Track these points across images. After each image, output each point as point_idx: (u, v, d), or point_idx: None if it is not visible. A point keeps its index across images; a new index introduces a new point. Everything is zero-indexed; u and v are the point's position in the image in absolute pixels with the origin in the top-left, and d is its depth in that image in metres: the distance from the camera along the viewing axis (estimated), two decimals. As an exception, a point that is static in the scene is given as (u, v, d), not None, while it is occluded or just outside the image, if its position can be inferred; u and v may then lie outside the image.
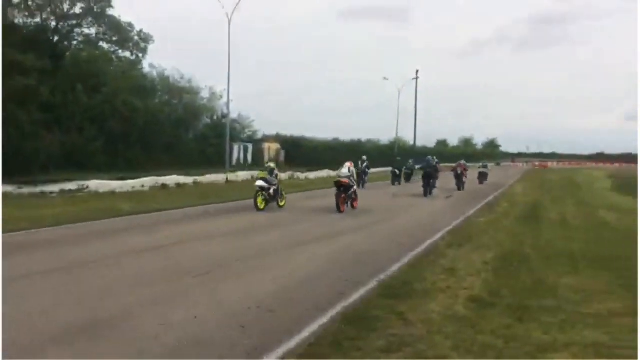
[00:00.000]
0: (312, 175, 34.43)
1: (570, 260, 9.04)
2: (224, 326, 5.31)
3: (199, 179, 24.85)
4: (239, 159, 39.79)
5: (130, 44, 37.29)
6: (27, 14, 32.53)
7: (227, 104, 32.66)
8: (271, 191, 15.61)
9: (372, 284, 7.17)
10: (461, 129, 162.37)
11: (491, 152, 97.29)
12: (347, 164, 16.89)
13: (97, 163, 28.13)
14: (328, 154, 50.14)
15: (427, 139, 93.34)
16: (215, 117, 41.80)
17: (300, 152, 46.29)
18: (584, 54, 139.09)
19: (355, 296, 6.56)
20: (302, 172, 33.96)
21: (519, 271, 8.07)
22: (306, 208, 16.63)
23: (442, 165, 27.89)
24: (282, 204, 16.21)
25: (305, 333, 5.18)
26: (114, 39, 36.84)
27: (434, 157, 24.26)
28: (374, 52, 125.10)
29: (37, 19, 33.12)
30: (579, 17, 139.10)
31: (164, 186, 22.02)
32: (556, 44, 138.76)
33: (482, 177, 32.26)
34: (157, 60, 51.24)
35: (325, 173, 36.74)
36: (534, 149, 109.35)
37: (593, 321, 5.71)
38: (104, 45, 36.81)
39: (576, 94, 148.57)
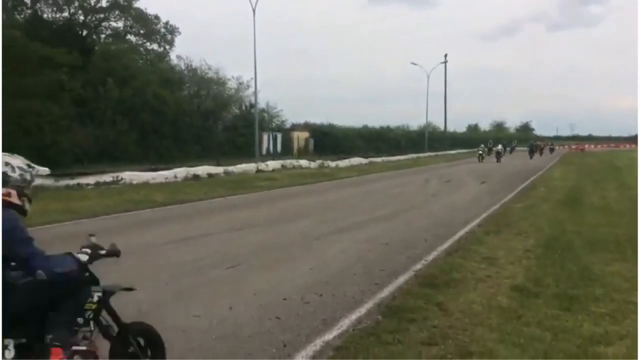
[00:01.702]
0: (343, 163, 34.19)
1: (616, 246, 8.61)
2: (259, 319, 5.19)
3: (230, 168, 24.92)
4: (268, 148, 39.85)
5: (157, 36, 37.58)
6: (55, 8, 33.04)
7: (255, 94, 32.72)
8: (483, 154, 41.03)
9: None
10: (493, 112, 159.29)
11: (525, 135, 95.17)
12: (500, 145, 43.35)
13: (130, 155, 28.47)
14: (357, 141, 49.87)
15: (458, 124, 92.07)
16: (243, 107, 41.86)
17: (329, 141, 46.07)
18: (616, 32, 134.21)
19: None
20: (333, 161, 33.75)
21: (563, 259, 7.70)
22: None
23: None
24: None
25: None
26: (141, 31, 37.16)
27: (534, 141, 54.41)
28: (402, 37, 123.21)
29: (65, 13, 33.60)
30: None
31: (196, 177, 22.15)
32: (587, 23, 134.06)
33: (552, 151, 57.57)
34: (183, 51, 51.58)
35: (356, 160, 36.45)
36: (567, 132, 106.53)
37: (647, 311, 5.38)
38: (132, 38, 37.19)
39: (610, 75, 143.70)
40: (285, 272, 7.02)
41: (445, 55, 62.92)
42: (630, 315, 5.27)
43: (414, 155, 48.03)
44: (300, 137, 44.21)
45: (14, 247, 2.73)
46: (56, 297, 2.97)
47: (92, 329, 3.07)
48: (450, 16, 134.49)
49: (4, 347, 2.77)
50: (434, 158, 48.21)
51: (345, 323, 5.09)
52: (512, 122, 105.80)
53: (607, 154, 58.15)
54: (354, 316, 5.28)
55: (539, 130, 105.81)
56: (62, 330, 2.94)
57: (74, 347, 2.92)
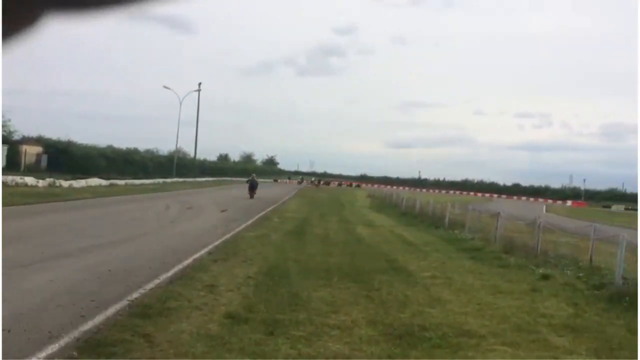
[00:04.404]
0: (79, 183, 31.34)
1: (326, 274, 9.51)
2: None
3: None
4: (-11, 161, 34.40)
5: None
6: None
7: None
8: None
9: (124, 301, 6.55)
10: (242, 144, 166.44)
11: (270, 169, 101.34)
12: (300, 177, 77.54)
13: None
14: (100, 161, 46.63)
15: (209, 152, 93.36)
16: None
17: (67, 159, 42.02)
18: (352, 83, 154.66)
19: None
20: (67, 180, 30.66)
21: (278, 285, 8.21)
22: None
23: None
24: None
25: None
26: None
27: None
28: (158, 59, 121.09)
29: None
30: (353, 51, 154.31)
31: None
32: (329, 73, 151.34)
33: (300, 182, 69.35)
34: None
35: (95, 182, 33.88)
36: (307, 168, 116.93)
37: (337, 332, 6.00)
38: None
39: (344, 121, 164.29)
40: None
41: (199, 84, 63.57)
42: (323, 337, 5.81)
43: (161, 180, 46.83)
44: (29, 151, 39.28)
45: None
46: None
47: None
48: (209, 47, 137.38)
49: None
50: (182, 184, 47.74)
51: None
52: (260, 155, 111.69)
53: (337, 190, 65.50)
54: (44, 354, 4.71)
55: (283, 165, 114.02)
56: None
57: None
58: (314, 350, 5.34)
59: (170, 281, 8.06)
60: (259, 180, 38.09)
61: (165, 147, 68.12)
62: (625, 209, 78.51)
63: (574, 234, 13.61)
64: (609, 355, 5.72)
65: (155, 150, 63.71)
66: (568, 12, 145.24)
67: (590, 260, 10.69)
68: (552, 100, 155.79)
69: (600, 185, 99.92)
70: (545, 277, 9.73)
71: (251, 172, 58.91)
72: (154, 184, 42.90)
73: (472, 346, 5.72)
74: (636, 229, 24.54)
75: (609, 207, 79.36)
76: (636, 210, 75.06)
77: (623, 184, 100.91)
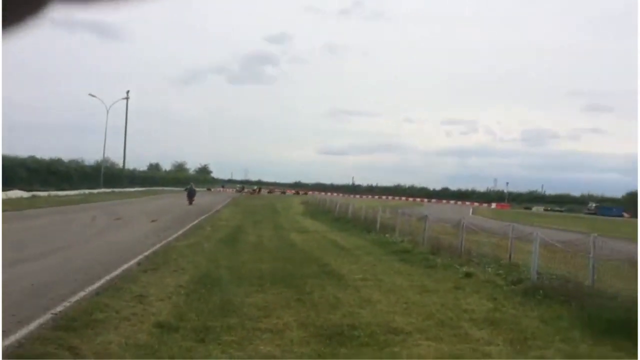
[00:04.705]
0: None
1: (259, 280, 9.56)
2: None
3: None
4: None
5: None
6: None
7: None
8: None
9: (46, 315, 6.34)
10: (174, 153, 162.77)
11: (203, 177, 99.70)
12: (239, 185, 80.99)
13: None
14: (22, 172, 44.18)
15: (139, 162, 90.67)
16: None
17: (-16, 170, 39.52)
18: (287, 92, 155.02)
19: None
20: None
21: (210, 293, 8.19)
22: None
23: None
24: None
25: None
26: None
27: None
28: (83, 66, 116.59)
29: None
30: (285, 59, 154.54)
31: None
32: (264, 81, 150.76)
33: (241, 190, 63.72)
34: None
35: (16, 194, 32.11)
36: (241, 176, 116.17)
37: (269, 335, 6.09)
38: None
39: (280, 128, 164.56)
40: None
41: (128, 92, 61.70)
42: (254, 340, 5.88)
43: (87, 191, 45.05)
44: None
45: None
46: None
47: None
48: (137, 55, 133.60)
49: None
50: (109, 195, 46.08)
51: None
52: (192, 164, 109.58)
53: (272, 197, 65.32)
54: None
55: (216, 174, 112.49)
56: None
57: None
58: (245, 353, 5.42)
59: (97, 293, 7.85)
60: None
61: (92, 157, 64.76)
62: (545, 210, 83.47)
63: (495, 234, 14.34)
64: (524, 344, 6.15)
65: (80, 160, 60.99)
66: (491, 24, 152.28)
67: (510, 257, 11.35)
68: (477, 108, 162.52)
69: (522, 188, 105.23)
70: (468, 275, 10.25)
71: (183, 181, 57.97)
72: (79, 195, 41.23)
73: (398, 342, 5.98)
74: (552, 228, 26.18)
75: (530, 208, 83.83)
76: (555, 210, 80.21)
77: (542, 186, 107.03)
